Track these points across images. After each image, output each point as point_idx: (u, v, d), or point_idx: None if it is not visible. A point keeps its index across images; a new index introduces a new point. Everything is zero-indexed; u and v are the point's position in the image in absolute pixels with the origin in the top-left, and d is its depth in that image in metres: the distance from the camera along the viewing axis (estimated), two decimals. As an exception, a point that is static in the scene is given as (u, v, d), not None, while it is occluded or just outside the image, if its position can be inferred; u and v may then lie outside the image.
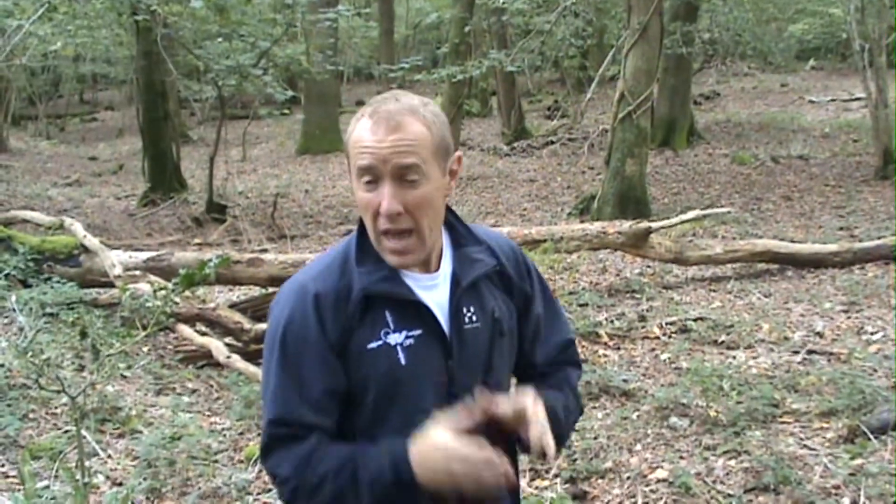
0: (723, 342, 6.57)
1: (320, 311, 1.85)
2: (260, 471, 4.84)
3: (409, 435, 1.85)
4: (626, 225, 8.60)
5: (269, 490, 4.61)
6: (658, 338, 6.84)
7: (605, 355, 6.56)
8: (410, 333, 1.87)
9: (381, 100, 1.86)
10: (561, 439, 1.97)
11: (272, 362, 1.89)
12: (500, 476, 1.76)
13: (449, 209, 1.98)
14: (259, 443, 1.92)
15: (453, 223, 2.00)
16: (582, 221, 10.76)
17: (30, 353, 4.69)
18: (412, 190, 1.80)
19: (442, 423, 1.80)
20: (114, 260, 7.65)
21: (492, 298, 1.98)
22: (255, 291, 8.17)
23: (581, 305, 7.63)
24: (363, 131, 1.81)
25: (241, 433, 5.44)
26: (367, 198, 1.82)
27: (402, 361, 1.86)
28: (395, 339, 1.86)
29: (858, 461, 4.51)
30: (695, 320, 7.01)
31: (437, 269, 1.95)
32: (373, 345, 1.85)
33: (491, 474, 1.75)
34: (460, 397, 1.91)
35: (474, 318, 1.94)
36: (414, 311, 1.89)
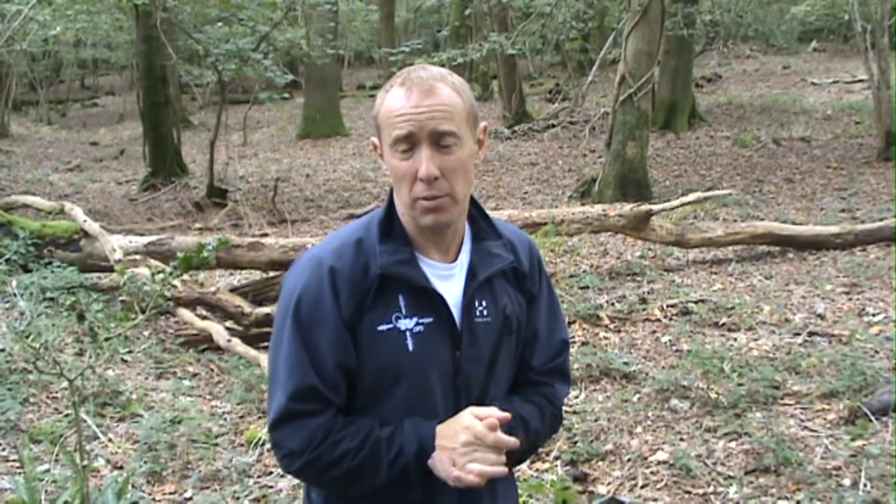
0: (724, 324, 6.56)
1: (336, 285, 1.84)
2: (261, 454, 4.85)
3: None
4: (627, 208, 8.57)
5: (270, 473, 4.61)
6: (659, 320, 6.83)
7: (606, 338, 6.55)
8: (422, 320, 1.87)
9: (409, 70, 1.87)
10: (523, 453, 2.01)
11: (284, 333, 1.87)
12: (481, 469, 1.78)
13: (474, 201, 1.98)
14: (268, 415, 1.90)
15: (476, 216, 2.00)
16: (583, 204, 10.72)
17: (30, 337, 4.69)
18: (448, 155, 1.81)
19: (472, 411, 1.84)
20: (114, 244, 7.64)
21: (504, 295, 1.97)
22: (256, 276, 8.16)
23: (582, 288, 7.62)
24: (396, 99, 1.82)
25: (242, 416, 5.44)
26: (404, 166, 1.82)
27: (410, 347, 1.85)
28: (405, 324, 1.86)
29: (859, 442, 4.51)
30: (696, 303, 7.00)
31: (456, 259, 1.94)
32: (383, 327, 1.85)
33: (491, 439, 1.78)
34: (465, 389, 1.91)
35: (486, 312, 1.93)
36: (427, 299, 1.88)
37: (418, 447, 1.81)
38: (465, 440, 1.79)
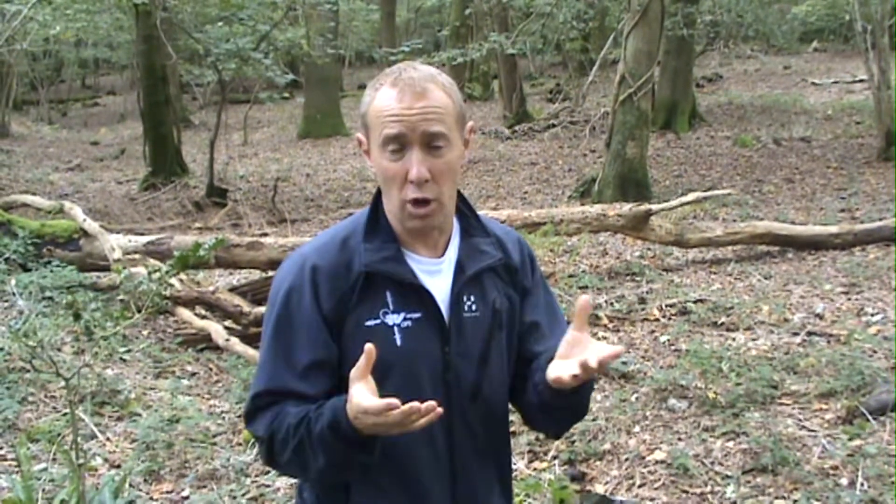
0: (722, 324, 6.56)
1: (316, 282, 1.85)
2: (258, 453, 4.85)
3: None
4: (627, 207, 8.57)
5: (268, 472, 4.61)
6: (658, 320, 6.83)
7: (605, 337, 6.54)
8: (409, 316, 1.86)
9: (399, 69, 1.85)
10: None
11: (267, 330, 1.91)
12: (407, 414, 1.64)
13: (462, 197, 1.98)
14: (243, 409, 1.91)
15: (465, 212, 2.00)
16: (582, 204, 10.72)
17: (29, 336, 4.68)
18: (438, 158, 1.81)
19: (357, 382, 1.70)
20: (113, 244, 7.65)
21: (494, 290, 1.96)
22: (255, 275, 8.15)
23: (581, 288, 7.62)
24: (388, 100, 1.81)
25: (240, 416, 5.43)
26: (394, 167, 1.81)
27: (398, 342, 1.84)
28: (392, 319, 1.85)
29: (857, 442, 4.51)
30: (695, 302, 7.00)
31: (443, 254, 1.93)
32: (370, 322, 1.85)
33: (396, 417, 1.64)
34: (455, 385, 1.90)
35: (474, 307, 1.92)
36: (415, 295, 1.87)
37: (332, 418, 1.73)
38: (372, 423, 1.67)
